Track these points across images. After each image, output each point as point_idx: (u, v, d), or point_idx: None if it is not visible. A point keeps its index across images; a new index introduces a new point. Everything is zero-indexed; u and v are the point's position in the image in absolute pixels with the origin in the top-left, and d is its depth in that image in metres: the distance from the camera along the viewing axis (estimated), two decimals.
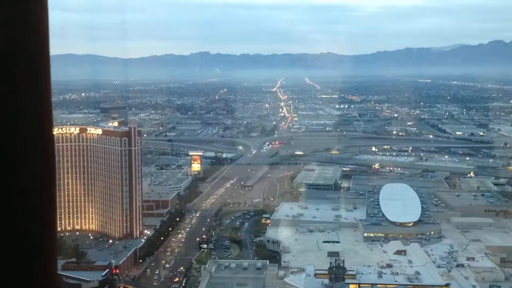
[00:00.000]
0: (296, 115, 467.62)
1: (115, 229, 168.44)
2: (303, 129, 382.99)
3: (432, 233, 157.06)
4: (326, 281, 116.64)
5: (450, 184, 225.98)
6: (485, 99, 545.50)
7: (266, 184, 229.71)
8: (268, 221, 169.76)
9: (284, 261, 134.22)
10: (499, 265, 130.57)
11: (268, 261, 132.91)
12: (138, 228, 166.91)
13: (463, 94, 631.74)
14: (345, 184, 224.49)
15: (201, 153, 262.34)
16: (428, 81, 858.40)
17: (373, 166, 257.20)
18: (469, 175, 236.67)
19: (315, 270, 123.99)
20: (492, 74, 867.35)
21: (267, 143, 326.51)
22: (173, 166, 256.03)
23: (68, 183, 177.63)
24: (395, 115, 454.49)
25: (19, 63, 4.49)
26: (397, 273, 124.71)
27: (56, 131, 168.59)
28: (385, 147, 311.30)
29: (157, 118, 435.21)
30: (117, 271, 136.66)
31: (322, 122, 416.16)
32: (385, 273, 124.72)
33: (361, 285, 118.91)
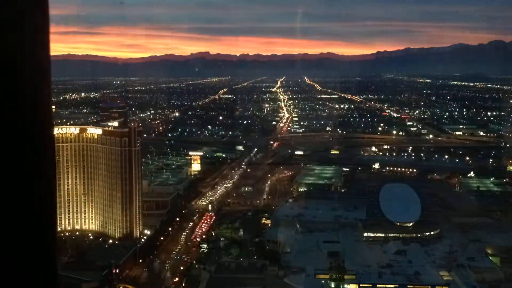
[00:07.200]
0: (296, 115, 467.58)
1: (115, 229, 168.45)
2: (303, 129, 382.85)
3: (432, 233, 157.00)
4: (326, 281, 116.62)
5: (450, 184, 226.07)
6: (485, 99, 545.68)
7: (266, 184, 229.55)
8: (268, 221, 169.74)
9: (284, 261, 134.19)
10: (499, 265, 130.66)
11: (268, 261, 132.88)
12: (138, 228, 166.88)
13: (463, 94, 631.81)
14: (345, 184, 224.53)
15: (201, 153, 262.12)
16: (428, 81, 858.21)
17: (373, 166, 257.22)
18: (469, 175, 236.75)
19: (315, 270, 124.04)
20: (492, 74, 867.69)
21: (267, 143, 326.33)
22: (173, 166, 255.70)
23: (68, 183, 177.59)
24: (395, 115, 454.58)
25: (20, 63, 4.50)
26: (397, 273, 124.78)
27: (56, 131, 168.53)
28: (385, 147, 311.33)
29: (157, 118, 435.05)
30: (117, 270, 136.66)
31: (322, 122, 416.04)
32: (385, 273, 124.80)
33: (361, 285, 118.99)
